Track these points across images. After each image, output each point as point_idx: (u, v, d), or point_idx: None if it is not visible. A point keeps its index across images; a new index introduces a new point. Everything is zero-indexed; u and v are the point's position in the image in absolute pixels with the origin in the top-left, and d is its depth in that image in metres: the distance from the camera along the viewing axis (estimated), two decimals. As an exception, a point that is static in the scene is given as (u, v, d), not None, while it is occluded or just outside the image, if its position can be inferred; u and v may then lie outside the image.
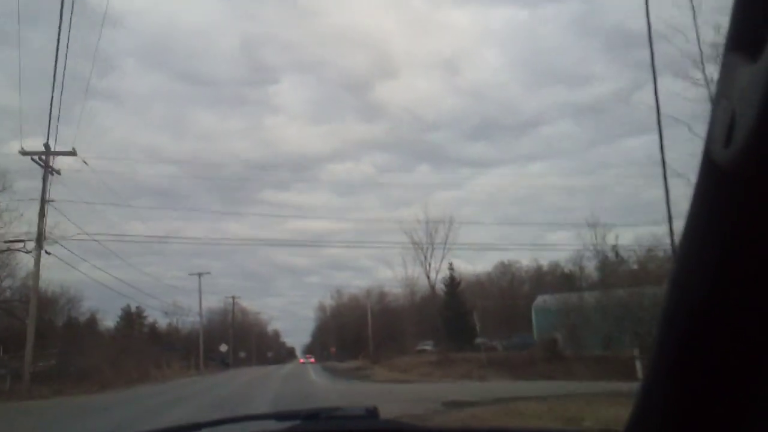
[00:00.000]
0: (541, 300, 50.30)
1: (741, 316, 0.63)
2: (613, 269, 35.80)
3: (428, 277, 36.12)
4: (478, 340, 48.24)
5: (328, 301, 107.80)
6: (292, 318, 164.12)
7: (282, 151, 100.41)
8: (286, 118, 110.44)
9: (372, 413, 1.53)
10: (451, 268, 47.28)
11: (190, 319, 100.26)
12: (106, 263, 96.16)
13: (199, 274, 58.36)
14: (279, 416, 1.57)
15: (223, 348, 61.58)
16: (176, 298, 77.98)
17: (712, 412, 0.71)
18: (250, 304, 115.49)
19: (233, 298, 79.04)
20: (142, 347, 44.65)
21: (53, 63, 16.76)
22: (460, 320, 46.67)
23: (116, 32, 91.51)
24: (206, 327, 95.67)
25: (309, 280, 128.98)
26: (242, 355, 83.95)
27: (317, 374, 34.74)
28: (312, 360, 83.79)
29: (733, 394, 0.68)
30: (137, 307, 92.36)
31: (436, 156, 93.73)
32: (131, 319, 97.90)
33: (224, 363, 65.11)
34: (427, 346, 53.61)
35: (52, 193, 25.42)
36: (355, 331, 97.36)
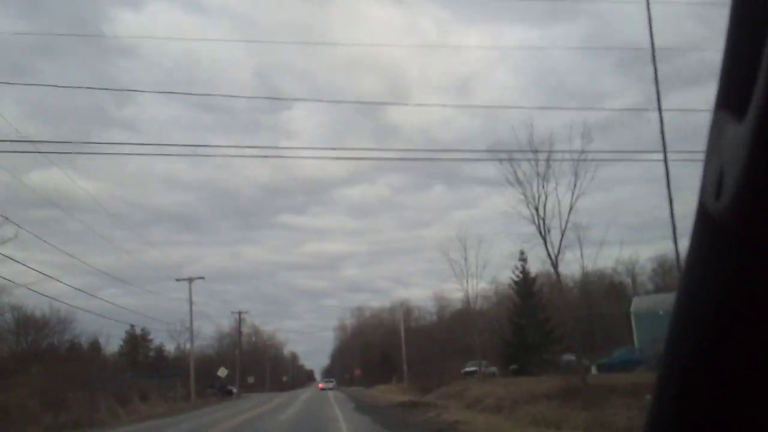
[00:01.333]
0: (641, 302, 37.54)
1: (738, 363, 0.66)
2: None
3: (545, 241, 18.90)
4: (566, 358, 35.60)
5: (349, 320, 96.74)
6: (310, 340, 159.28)
7: (297, 176, 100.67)
8: (301, 143, 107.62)
9: None
10: (523, 257, 34.61)
11: (204, 342, 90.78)
12: (121, 290, 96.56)
13: (189, 279, 45.82)
14: None
15: (222, 373, 49.10)
16: (183, 318, 70.68)
17: (719, 427, 0.73)
18: (266, 326, 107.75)
19: (240, 313, 66.80)
20: (94, 374, 32.31)
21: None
22: (536, 331, 33.73)
23: (133, 62, 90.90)
24: (217, 351, 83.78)
25: (326, 303, 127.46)
26: (251, 380, 71.40)
27: (348, 415, 21.77)
28: (331, 385, 70.49)
29: (739, 412, 0.71)
30: (142, 329, 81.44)
31: (450, 176, 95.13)
32: (136, 342, 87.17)
33: (225, 391, 52.49)
34: (473, 367, 41.12)
35: None
36: (381, 351, 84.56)
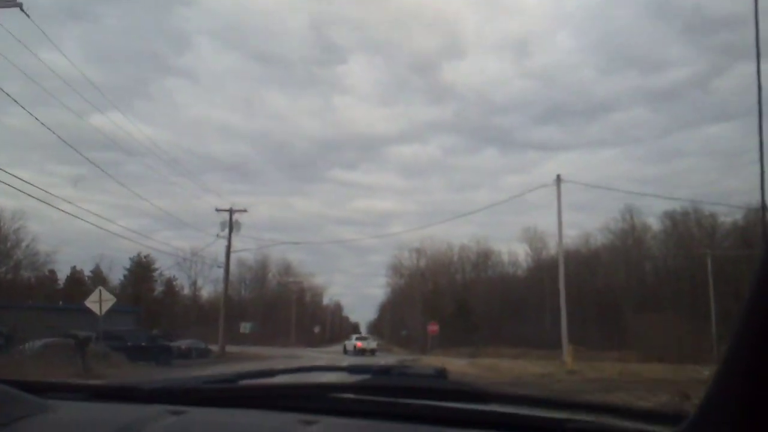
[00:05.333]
0: None
1: None
2: None
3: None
4: None
5: (406, 260, 73.69)
6: (356, 296, 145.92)
7: (350, 131, 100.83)
8: (355, 99, 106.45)
9: (441, 374, 1.58)
10: None
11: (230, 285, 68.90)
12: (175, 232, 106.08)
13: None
14: (352, 369, 1.62)
15: (96, 303, 17.03)
16: (195, 244, 62.59)
17: None
18: (311, 276, 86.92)
19: (230, 210, 35.95)
20: None
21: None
22: None
23: (190, 10, 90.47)
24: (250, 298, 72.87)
25: (373, 259, 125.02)
26: (245, 329, 40.36)
27: None
28: (374, 344, 46.01)
29: None
30: (145, 257, 63.21)
31: (504, 139, 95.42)
32: (142, 272, 65.73)
33: (136, 347, 21.04)
34: None
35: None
36: (460, 300, 59.93)
